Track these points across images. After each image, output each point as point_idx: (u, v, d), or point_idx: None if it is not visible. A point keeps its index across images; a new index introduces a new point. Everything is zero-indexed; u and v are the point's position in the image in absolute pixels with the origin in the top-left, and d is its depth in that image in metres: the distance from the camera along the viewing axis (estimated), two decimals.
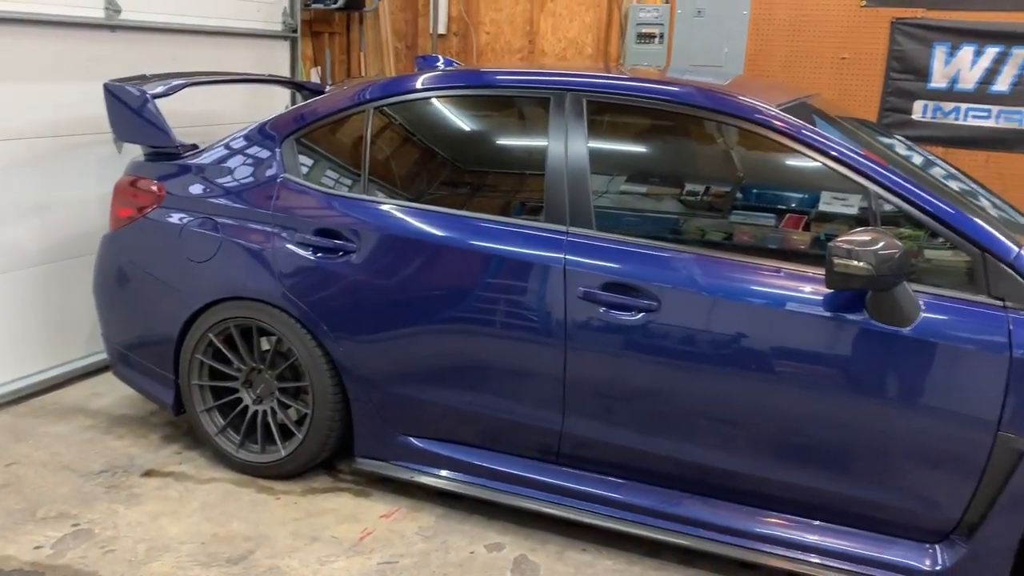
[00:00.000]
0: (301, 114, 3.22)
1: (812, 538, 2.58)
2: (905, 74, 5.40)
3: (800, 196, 2.76)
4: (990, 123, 5.27)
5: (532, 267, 2.73)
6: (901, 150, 3.09)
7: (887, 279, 2.26)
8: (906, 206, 2.44)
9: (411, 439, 3.04)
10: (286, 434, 3.20)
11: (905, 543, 2.52)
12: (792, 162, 2.72)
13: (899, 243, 2.25)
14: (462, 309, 2.82)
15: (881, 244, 2.24)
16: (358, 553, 2.81)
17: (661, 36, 5.69)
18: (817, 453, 2.52)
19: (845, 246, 2.25)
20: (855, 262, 2.23)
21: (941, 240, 2.43)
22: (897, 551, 2.51)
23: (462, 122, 3.20)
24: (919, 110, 5.42)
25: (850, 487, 2.52)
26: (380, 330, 2.94)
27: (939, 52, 5.30)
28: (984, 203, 2.79)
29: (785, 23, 5.62)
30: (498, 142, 3.27)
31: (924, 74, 5.35)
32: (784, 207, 2.75)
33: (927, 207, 2.42)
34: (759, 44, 5.67)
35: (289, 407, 3.21)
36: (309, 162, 3.17)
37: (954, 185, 2.83)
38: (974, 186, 3.03)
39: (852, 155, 2.51)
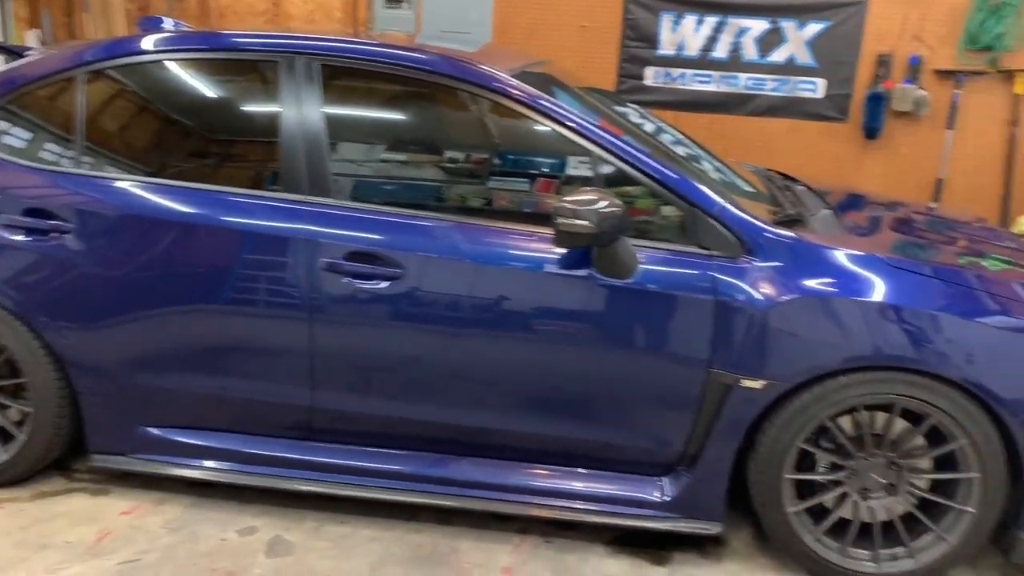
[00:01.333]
0: (9, 78, 2.89)
1: (561, 484, 2.71)
2: (638, 42, 5.74)
3: (535, 161, 2.85)
4: (712, 88, 5.74)
5: (271, 240, 2.63)
6: (634, 118, 3.27)
7: (608, 235, 2.39)
8: (625, 167, 2.58)
9: (151, 430, 2.85)
10: (6, 437, 2.90)
11: (643, 480, 2.72)
12: (532, 128, 2.79)
13: (619, 202, 2.39)
14: (199, 287, 2.67)
15: (603, 203, 2.36)
16: (95, 555, 2.61)
17: (409, 1, 5.66)
18: (562, 403, 2.65)
19: (569, 206, 2.36)
20: (578, 220, 2.35)
21: (659, 199, 2.60)
22: (635, 487, 2.70)
23: (192, 88, 3.00)
24: (651, 76, 5.80)
25: (593, 432, 2.67)
26: (107, 316, 2.72)
27: (666, 21, 5.68)
28: (706, 166, 3.03)
29: None
30: (231, 110, 3.09)
31: (654, 42, 5.72)
32: (523, 172, 2.83)
33: (643, 167, 2.57)
34: (506, 12, 5.80)
35: (8, 407, 2.90)
36: (23, 133, 2.86)
37: (680, 150, 3.05)
38: (698, 150, 3.28)
39: (579, 121, 2.61)
